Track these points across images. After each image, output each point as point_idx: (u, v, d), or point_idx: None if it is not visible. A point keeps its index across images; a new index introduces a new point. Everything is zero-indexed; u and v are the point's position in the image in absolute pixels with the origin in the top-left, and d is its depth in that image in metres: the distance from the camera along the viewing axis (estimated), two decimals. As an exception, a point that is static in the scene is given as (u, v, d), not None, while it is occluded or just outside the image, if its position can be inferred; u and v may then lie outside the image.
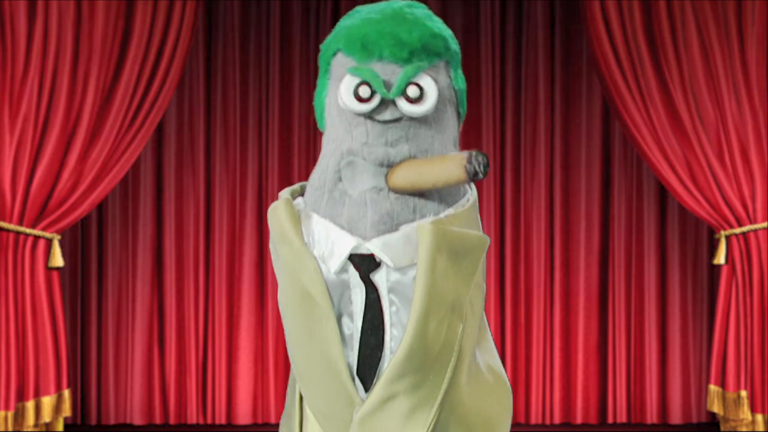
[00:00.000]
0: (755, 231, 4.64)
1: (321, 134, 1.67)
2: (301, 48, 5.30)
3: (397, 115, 1.58)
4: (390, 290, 1.56)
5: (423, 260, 1.51)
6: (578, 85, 5.35)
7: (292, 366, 1.67)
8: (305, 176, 5.41)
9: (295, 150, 5.31)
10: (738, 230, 4.66)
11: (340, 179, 1.59)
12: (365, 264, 1.56)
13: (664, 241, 5.36)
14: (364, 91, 1.56)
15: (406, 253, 1.54)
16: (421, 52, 1.57)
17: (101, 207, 5.17)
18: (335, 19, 5.31)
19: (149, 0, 4.53)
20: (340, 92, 1.58)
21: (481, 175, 1.46)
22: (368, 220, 1.56)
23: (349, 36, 1.60)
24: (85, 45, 4.44)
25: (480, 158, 1.46)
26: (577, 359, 5.33)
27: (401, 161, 1.56)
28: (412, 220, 1.56)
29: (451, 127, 1.64)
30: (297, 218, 1.60)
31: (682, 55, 4.60)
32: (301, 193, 1.71)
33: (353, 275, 1.57)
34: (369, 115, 1.58)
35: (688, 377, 5.31)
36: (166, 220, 5.30)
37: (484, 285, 1.66)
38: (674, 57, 4.61)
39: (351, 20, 1.63)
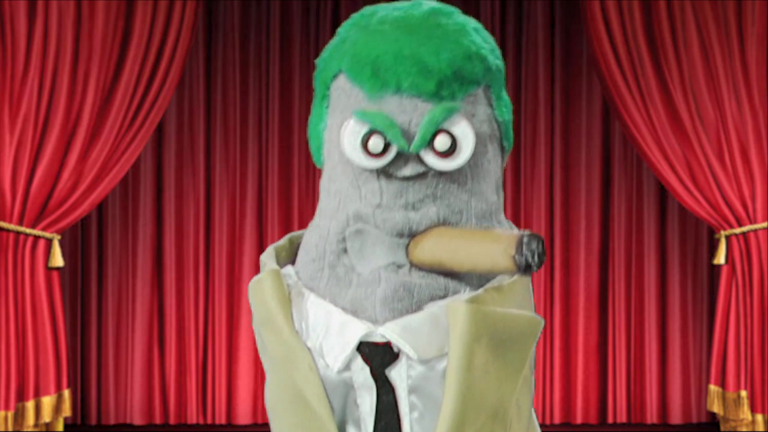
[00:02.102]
0: (755, 231, 4.63)
1: None
2: (301, 48, 5.30)
3: (420, 169, 1.21)
4: (411, 390, 1.20)
5: (456, 352, 1.15)
6: (578, 85, 5.35)
7: None
8: (304, 177, 5.44)
9: (295, 150, 5.30)
10: (738, 230, 4.66)
11: (345, 251, 1.23)
12: (378, 356, 1.20)
13: (664, 241, 5.36)
14: (376, 145, 1.18)
15: (434, 341, 1.18)
16: (452, 82, 1.20)
17: (101, 207, 5.17)
18: (335, 20, 5.32)
19: (149, 0, 4.53)
20: (342, 141, 1.21)
21: (534, 268, 1.11)
22: (377, 297, 1.19)
23: (355, 56, 1.22)
24: (85, 45, 4.44)
25: (533, 245, 1.10)
26: (577, 359, 5.33)
27: (427, 229, 1.21)
28: (441, 297, 1.20)
29: (493, 170, 1.27)
30: (286, 297, 1.24)
31: (682, 55, 4.60)
32: (293, 255, 1.33)
33: (359, 372, 1.21)
34: (384, 169, 1.21)
35: (688, 377, 5.31)
36: (166, 220, 5.30)
37: (533, 379, 1.29)
38: (674, 57, 4.61)
39: (357, 32, 1.24)
